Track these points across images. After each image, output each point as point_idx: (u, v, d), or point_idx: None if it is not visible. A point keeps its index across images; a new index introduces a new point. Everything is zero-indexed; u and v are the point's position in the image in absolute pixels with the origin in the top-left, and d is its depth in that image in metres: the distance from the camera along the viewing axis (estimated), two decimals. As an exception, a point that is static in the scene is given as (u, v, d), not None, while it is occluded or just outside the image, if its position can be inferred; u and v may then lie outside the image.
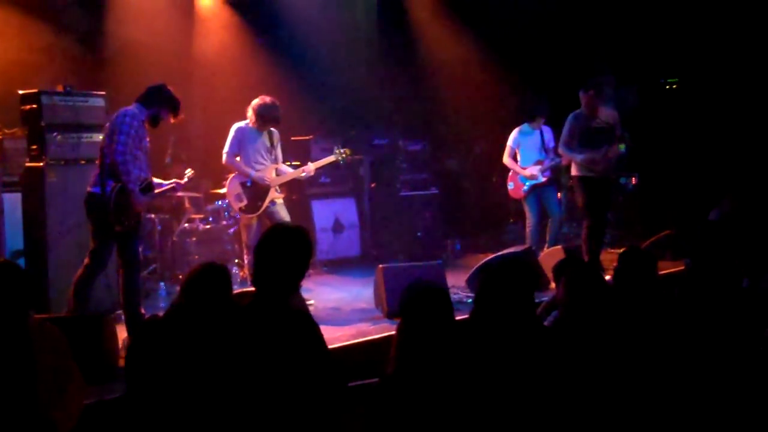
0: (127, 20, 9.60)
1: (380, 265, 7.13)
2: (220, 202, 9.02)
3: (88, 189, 6.00)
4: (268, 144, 7.51)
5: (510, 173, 9.04)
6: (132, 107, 6.06)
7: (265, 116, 7.37)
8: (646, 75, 12.02)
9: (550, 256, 7.89)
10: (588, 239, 8.06)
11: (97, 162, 6.12)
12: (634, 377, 3.60)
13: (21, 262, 6.83)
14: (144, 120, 6.08)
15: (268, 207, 7.39)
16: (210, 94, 10.75)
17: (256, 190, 7.43)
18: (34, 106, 6.93)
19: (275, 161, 7.59)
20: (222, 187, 9.20)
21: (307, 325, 3.17)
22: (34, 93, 6.97)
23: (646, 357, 3.69)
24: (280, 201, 7.51)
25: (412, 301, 3.20)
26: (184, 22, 10.58)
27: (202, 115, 10.92)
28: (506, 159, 8.94)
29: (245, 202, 7.43)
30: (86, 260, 5.99)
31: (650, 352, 3.72)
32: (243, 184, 7.45)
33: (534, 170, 8.75)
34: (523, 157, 8.89)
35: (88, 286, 5.98)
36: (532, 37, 11.66)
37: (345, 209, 10.11)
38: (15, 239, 7.16)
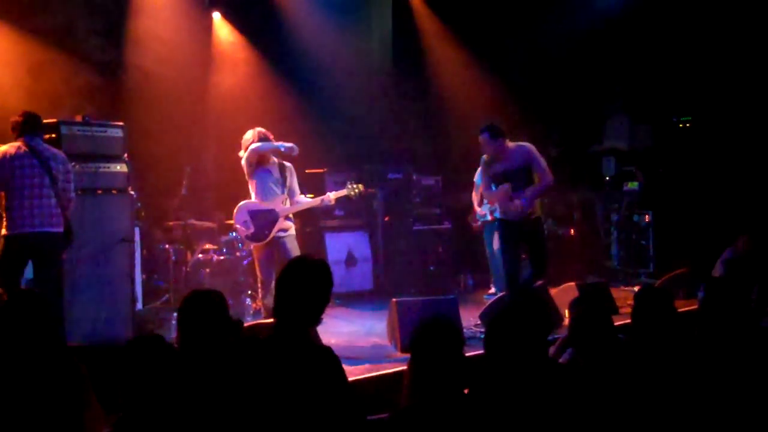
0: (146, 52, 9.71)
1: (394, 299, 7.09)
2: (234, 234, 9.05)
3: (50, 229, 6.30)
4: (277, 176, 7.35)
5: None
6: (52, 147, 6.49)
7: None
8: (660, 113, 12.07)
9: (563, 292, 7.89)
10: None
11: (53, 200, 6.32)
12: (653, 417, 3.58)
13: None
14: None
15: (276, 236, 7.17)
16: (225, 125, 10.81)
17: (263, 218, 7.23)
18: (54, 135, 6.98)
19: (291, 194, 7.42)
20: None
21: (329, 360, 3.18)
22: (53, 123, 7.03)
23: (665, 396, 3.67)
24: (291, 232, 7.30)
25: (421, 337, 3.20)
26: (202, 55, 10.70)
27: (218, 146, 11.00)
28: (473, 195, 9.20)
29: (252, 229, 7.23)
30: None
31: (670, 391, 3.69)
32: (251, 212, 7.25)
33: (483, 209, 9.04)
34: None
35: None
36: (547, 72, 11.73)
37: (358, 242, 10.14)
38: (29, 268, 7.19)
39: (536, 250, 7.35)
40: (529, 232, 7.23)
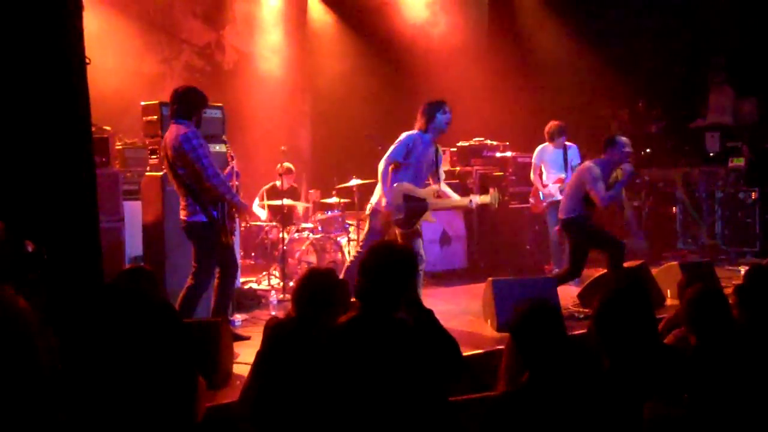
0: (244, 33, 9.86)
1: (490, 278, 7.00)
2: (329, 212, 9.13)
3: (187, 218, 6.03)
4: (433, 158, 7.00)
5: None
6: (183, 128, 5.95)
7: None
8: (766, 86, 11.59)
9: (665, 271, 7.69)
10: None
11: (177, 189, 6.10)
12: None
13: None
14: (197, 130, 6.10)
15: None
16: (320, 105, 10.90)
17: (415, 206, 6.89)
18: (155, 117, 7.16)
19: (437, 179, 7.11)
20: (331, 196, 9.34)
21: (413, 341, 3.17)
22: (155, 104, 7.21)
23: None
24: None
25: (522, 320, 3.17)
26: (297, 36, 10.79)
27: (312, 126, 11.09)
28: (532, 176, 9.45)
29: (402, 215, 6.82)
30: (190, 281, 6.06)
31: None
32: (406, 196, 6.87)
33: (550, 189, 9.15)
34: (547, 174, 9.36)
35: (194, 307, 6.08)
36: (648, 46, 11.41)
37: (452, 221, 10.05)
38: (134, 245, 7.42)
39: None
40: None
